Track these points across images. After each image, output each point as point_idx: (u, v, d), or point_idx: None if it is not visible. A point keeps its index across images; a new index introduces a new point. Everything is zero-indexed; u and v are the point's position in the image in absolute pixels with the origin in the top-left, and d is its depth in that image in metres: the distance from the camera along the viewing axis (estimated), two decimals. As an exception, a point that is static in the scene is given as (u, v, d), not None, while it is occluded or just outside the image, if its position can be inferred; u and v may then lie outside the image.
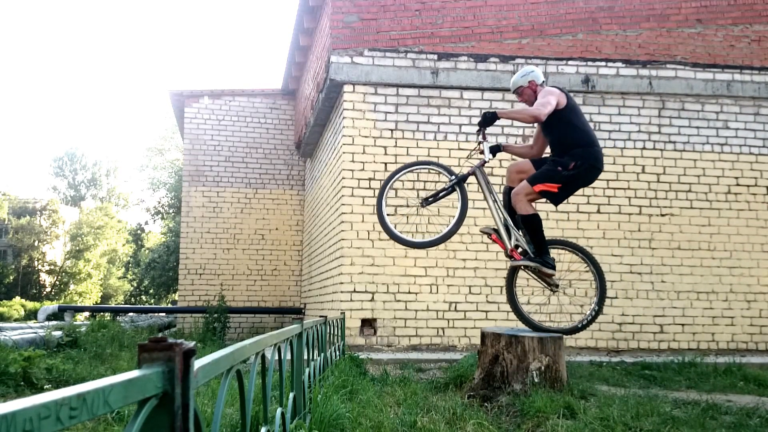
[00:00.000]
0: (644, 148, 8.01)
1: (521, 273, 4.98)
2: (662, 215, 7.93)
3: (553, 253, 4.81)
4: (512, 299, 4.91)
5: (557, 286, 4.80)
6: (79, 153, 55.50)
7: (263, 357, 2.19)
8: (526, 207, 4.61)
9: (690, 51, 8.15)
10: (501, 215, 4.77)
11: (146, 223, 34.77)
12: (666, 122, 8.08)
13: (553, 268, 4.64)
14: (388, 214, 4.87)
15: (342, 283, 7.41)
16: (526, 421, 3.78)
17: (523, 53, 7.86)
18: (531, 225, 4.63)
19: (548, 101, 4.53)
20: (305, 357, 3.29)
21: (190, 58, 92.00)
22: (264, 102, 13.03)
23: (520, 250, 4.70)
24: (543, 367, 4.45)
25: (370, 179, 7.46)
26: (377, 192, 5.04)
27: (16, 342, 7.47)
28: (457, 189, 4.76)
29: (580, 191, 7.71)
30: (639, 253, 7.81)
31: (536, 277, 4.84)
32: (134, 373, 0.93)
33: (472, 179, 4.85)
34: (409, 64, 7.69)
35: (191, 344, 1.05)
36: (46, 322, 12.27)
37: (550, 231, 7.70)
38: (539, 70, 4.89)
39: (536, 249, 4.65)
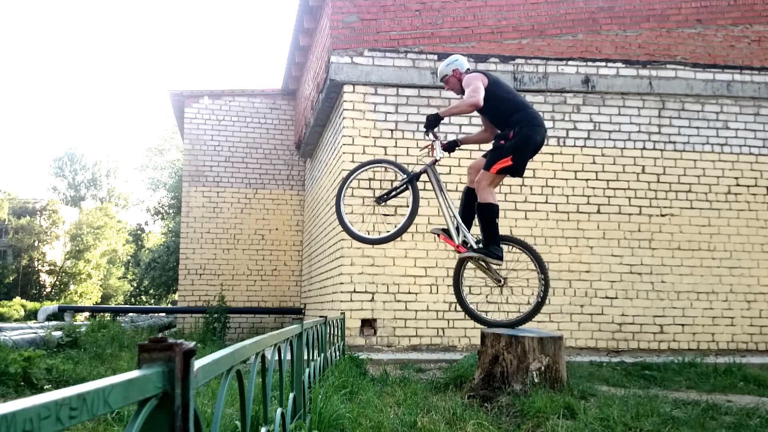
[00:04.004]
0: (644, 149, 8.01)
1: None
2: (662, 215, 7.93)
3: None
4: (458, 292, 5.05)
5: (500, 280, 4.90)
6: (79, 153, 55.43)
7: (263, 357, 2.19)
8: (487, 195, 4.72)
9: (690, 51, 8.15)
10: (451, 213, 4.92)
11: (146, 223, 34.85)
12: (666, 122, 8.08)
13: (500, 258, 4.73)
14: (347, 213, 5.10)
15: (342, 283, 7.41)
16: (526, 422, 3.78)
17: (523, 53, 7.86)
18: (487, 214, 4.73)
19: (477, 86, 4.67)
20: (305, 357, 3.29)
21: (190, 58, 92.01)
22: (264, 102, 13.04)
23: (467, 246, 4.83)
24: (543, 368, 4.45)
25: (369, 179, 7.46)
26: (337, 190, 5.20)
27: (16, 342, 7.47)
28: (410, 187, 4.87)
29: (579, 191, 7.81)
30: (639, 254, 7.82)
31: (482, 271, 4.97)
32: (134, 374, 0.93)
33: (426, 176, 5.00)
34: (409, 64, 7.69)
35: (191, 344, 1.05)
36: (46, 323, 12.28)
37: (550, 231, 7.75)
38: (463, 59, 5.03)
39: (486, 239, 4.75)
